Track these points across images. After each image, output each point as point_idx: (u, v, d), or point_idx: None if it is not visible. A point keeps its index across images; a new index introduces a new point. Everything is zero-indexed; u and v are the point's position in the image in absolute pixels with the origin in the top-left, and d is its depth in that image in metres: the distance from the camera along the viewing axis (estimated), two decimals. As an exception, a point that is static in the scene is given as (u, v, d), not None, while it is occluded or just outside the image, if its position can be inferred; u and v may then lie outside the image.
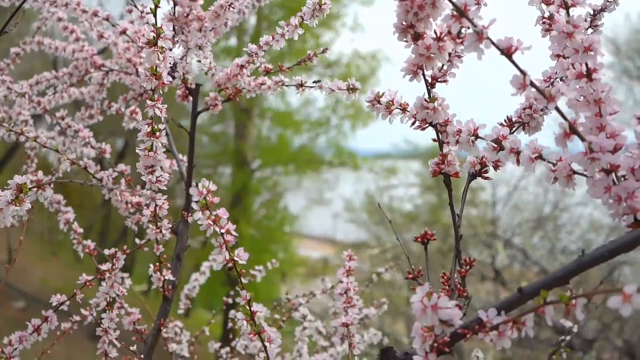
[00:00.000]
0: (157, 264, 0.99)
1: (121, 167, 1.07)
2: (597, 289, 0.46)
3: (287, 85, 1.00)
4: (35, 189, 0.70)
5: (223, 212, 0.64)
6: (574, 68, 0.57)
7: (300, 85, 0.98)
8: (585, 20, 0.73)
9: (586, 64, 0.55)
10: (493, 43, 0.52)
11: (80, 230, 1.13)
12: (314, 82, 0.94)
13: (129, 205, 1.03)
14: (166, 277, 0.99)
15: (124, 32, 1.06)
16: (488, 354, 6.48)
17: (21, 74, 1.55)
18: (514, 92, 0.53)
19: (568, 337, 1.09)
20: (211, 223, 0.63)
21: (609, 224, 7.45)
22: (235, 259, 0.64)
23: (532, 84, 0.52)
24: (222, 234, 0.64)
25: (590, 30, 0.73)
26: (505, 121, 0.70)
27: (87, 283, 0.95)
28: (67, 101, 1.38)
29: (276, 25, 0.96)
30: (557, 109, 0.52)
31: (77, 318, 1.16)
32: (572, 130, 0.53)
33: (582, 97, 0.56)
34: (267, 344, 0.66)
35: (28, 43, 1.33)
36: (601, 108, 0.54)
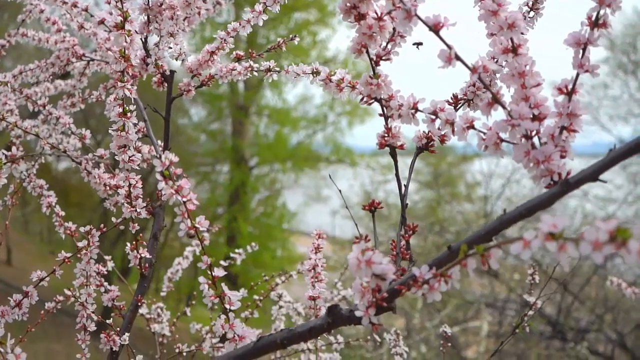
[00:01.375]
0: (134, 242, 1.04)
1: (100, 151, 1.12)
2: (496, 244, 0.50)
3: (256, 71, 1.04)
4: (9, 164, 0.74)
5: (185, 183, 0.69)
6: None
7: (269, 70, 1.02)
8: (527, 4, 0.78)
9: (511, 40, 0.59)
10: (421, 20, 0.56)
11: (62, 213, 1.17)
12: (276, 69, 0.99)
13: (107, 188, 1.08)
14: (143, 255, 1.04)
15: (102, 22, 1.10)
16: (481, 345, 6.54)
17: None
18: (442, 65, 0.57)
19: (531, 312, 1.14)
20: (174, 192, 0.68)
21: (602, 215, 7.50)
22: (197, 226, 0.69)
23: (457, 57, 0.56)
24: (184, 202, 0.68)
25: (532, 13, 0.78)
26: (451, 98, 0.75)
27: (66, 260, 1.00)
28: (54, 93, 1.42)
29: (272, 22, 1.01)
30: (480, 80, 0.57)
31: (61, 298, 1.20)
32: (495, 100, 0.58)
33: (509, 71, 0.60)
34: (227, 306, 0.71)
35: (13, 35, 1.38)
36: (525, 80, 0.59)
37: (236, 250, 1.47)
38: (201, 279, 0.72)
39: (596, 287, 6.58)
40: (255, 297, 1.38)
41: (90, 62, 1.27)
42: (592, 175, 0.53)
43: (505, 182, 7.32)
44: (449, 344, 1.21)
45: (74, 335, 1.06)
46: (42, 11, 1.27)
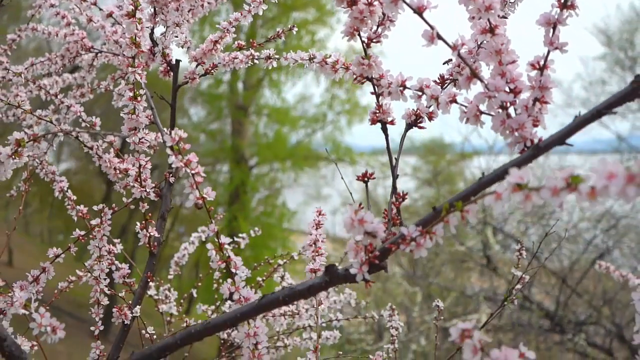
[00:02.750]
0: (144, 221, 1.10)
1: (110, 137, 1.18)
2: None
3: (257, 59, 1.11)
4: (31, 142, 0.81)
5: (193, 157, 0.75)
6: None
7: (269, 57, 1.09)
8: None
9: (488, 21, 0.66)
10: (406, 3, 0.63)
11: (74, 197, 1.24)
12: (276, 57, 1.05)
13: (117, 171, 1.14)
14: (152, 234, 1.10)
15: (110, 15, 1.16)
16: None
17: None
18: (425, 44, 0.64)
19: (519, 286, 1.20)
20: (183, 165, 0.74)
21: (598, 210, 7.56)
22: (205, 196, 0.75)
23: (439, 37, 0.63)
24: (193, 175, 0.75)
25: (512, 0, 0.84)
26: (438, 78, 0.81)
27: (80, 238, 1.06)
28: (62, 86, 1.49)
29: (271, 21, 1.08)
30: (460, 56, 0.63)
31: (73, 278, 1.27)
32: (473, 74, 0.64)
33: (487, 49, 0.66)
34: (233, 270, 0.77)
35: (23, 29, 1.44)
36: (502, 58, 0.65)
37: (239, 235, 1.53)
38: (209, 245, 0.78)
39: (594, 280, 6.65)
40: (259, 278, 1.44)
41: (98, 54, 1.33)
42: (560, 139, 0.59)
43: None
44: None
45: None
46: (52, 5, 1.33)
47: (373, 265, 0.67)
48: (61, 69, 1.34)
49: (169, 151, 0.74)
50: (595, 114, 0.58)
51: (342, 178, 1.18)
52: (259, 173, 12.32)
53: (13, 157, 0.80)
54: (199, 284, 1.65)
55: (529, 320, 6.45)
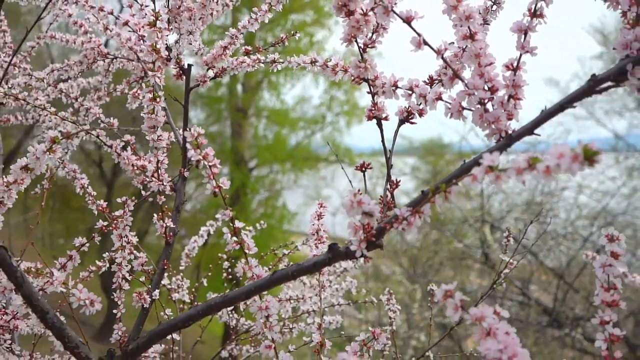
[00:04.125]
0: (160, 213, 1.20)
1: (127, 137, 1.28)
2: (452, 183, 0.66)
3: (263, 63, 1.20)
4: (65, 140, 0.90)
5: (210, 150, 0.85)
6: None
7: (274, 61, 1.18)
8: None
9: (469, 28, 0.75)
10: (396, 14, 0.73)
11: (94, 193, 1.33)
12: (280, 61, 1.15)
13: (135, 168, 1.24)
14: (168, 225, 1.20)
15: (126, 23, 1.26)
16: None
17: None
18: (413, 49, 0.73)
19: (507, 271, 1.29)
20: (201, 158, 0.84)
21: (595, 207, 7.66)
22: (220, 184, 0.85)
23: (425, 42, 0.72)
24: (210, 166, 0.84)
25: (494, 7, 0.94)
26: (427, 79, 0.91)
27: (103, 228, 1.16)
28: (76, 91, 1.58)
29: (269, 23, 1.19)
30: (443, 59, 0.73)
31: (93, 268, 1.36)
32: (455, 75, 0.74)
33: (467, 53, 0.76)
34: (246, 251, 0.87)
35: (42, 37, 1.54)
36: (480, 60, 0.75)
37: (246, 228, 1.62)
38: (225, 229, 0.88)
39: (591, 276, 6.75)
40: (265, 267, 1.53)
41: (114, 60, 1.43)
42: (529, 130, 0.69)
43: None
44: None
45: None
46: (70, 15, 1.43)
47: (370, 242, 0.76)
48: (78, 74, 1.44)
49: (189, 145, 0.84)
50: (559, 108, 0.68)
51: (346, 176, 1.27)
52: (259, 175, 12.41)
53: (48, 153, 0.90)
54: (209, 273, 1.75)
55: (527, 317, 6.55)
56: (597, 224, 7.24)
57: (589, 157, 0.49)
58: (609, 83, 0.67)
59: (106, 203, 1.29)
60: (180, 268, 1.64)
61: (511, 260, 1.29)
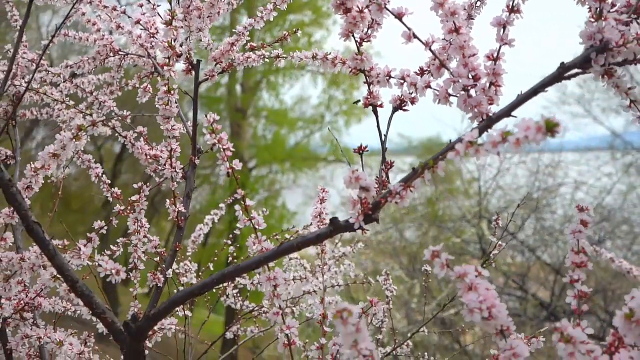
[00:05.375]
0: (172, 198, 1.29)
1: (139, 128, 1.37)
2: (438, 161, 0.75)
3: (267, 58, 1.30)
4: (91, 127, 0.99)
5: (224, 135, 0.94)
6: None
7: (277, 56, 1.28)
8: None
9: (454, 23, 0.84)
10: (389, 11, 0.82)
11: (109, 181, 1.42)
12: (284, 56, 1.25)
13: (148, 157, 1.33)
14: (179, 209, 1.29)
15: (138, 22, 1.35)
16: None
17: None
18: (404, 42, 0.82)
19: (496, 252, 1.38)
20: (216, 142, 0.93)
21: (591, 202, 7.76)
22: (233, 166, 0.94)
23: (415, 36, 0.82)
24: (224, 149, 0.93)
25: (478, 3, 1.03)
26: (418, 69, 1.00)
27: (120, 212, 1.25)
28: (92, 85, 1.67)
29: (268, 23, 1.28)
30: (431, 51, 0.82)
31: (109, 252, 1.45)
32: (442, 65, 0.83)
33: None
34: (256, 226, 0.96)
35: (57, 35, 1.62)
36: (464, 52, 0.84)
37: (238, 225, 1.71)
38: (236, 206, 0.96)
39: (586, 271, 6.84)
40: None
41: (126, 56, 1.52)
42: (507, 112, 0.78)
43: (496, 171, 7.58)
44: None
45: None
46: (83, 13, 1.52)
47: (367, 216, 0.85)
48: (92, 70, 1.53)
49: (205, 130, 0.93)
50: (532, 92, 0.77)
51: (351, 172, 1.35)
52: (258, 175, 12.50)
53: (74, 140, 0.99)
54: (215, 258, 1.84)
55: (525, 311, 6.64)
56: (594, 219, 7.34)
57: (550, 128, 0.58)
58: (576, 70, 0.76)
59: (141, 183, 1.35)
60: (187, 254, 1.73)
61: (500, 243, 1.38)
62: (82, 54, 1.59)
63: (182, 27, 1.26)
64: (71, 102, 1.29)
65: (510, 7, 0.83)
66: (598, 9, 0.74)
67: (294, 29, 1.32)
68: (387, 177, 0.93)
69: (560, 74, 0.76)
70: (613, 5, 0.75)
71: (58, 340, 1.04)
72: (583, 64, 0.75)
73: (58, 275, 1.01)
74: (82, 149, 1.48)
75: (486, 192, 7.45)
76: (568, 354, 0.63)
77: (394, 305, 7.31)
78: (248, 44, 1.31)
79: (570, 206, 8.03)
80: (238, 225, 0.97)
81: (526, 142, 0.61)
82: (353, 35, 0.92)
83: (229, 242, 1.67)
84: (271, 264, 0.94)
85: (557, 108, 9.26)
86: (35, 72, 1.25)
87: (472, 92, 0.84)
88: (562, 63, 0.76)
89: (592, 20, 0.75)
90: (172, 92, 1.08)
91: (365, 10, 0.88)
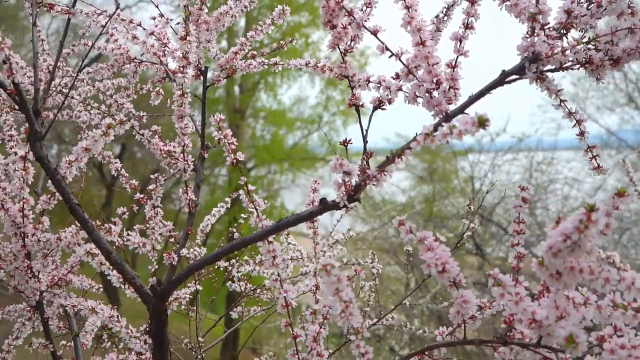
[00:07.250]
0: (185, 188, 1.47)
1: (154, 127, 1.55)
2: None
3: (267, 65, 1.48)
4: (118, 125, 1.17)
5: (229, 131, 1.12)
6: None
7: (276, 64, 1.46)
8: (442, 12, 1.22)
9: (419, 37, 1.03)
10: (366, 28, 1.00)
11: (127, 175, 1.61)
12: (281, 63, 1.44)
13: (162, 152, 1.51)
14: (191, 197, 1.48)
15: (152, 33, 1.54)
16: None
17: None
18: (378, 53, 1.01)
19: (469, 233, 1.56)
20: (222, 137, 1.12)
21: (585, 200, 7.94)
22: (237, 157, 1.13)
23: (387, 48, 1.00)
24: (229, 143, 1.12)
25: (445, 17, 1.21)
26: (394, 74, 1.18)
27: (140, 200, 1.43)
28: (111, 89, 1.86)
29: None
30: (400, 61, 1.01)
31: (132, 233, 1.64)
32: (409, 72, 1.02)
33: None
34: (257, 207, 1.15)
35: (77, 45, 1.81)
36: (428, 61, 1.03)
37: (242, 216, 1.90)
38: (240, 191, 1.15)
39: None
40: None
41: (140, 64, 1.70)
42: (460, 110, 0.97)
43: (490, 167, 7.78)
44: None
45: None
46: (103, 26, 1.71)
47: (350, 196, 1.04)
48: (111, 76, 1.72)
49: (212, 127, 1.11)
50: (479, 94, 0.95)
51: (335, 159, 1.54)
52: (257, 175, 12.67)
53: (104, 136, 1.17)
54: (222, 245, 2.02)
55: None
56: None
57: (482, 123, 0.77)
58: (515, 76, 0.95)
59: (156, 173, 1.54)
60: (197, 241, 1.92)
61: (472, 225, 1.56)
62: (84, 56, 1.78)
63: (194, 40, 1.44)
64: (95, 104, 1.48)
65: (465, 24, 1.02)
66: (530, 27, 0.93)
67: (290, 39, 1.51)
68: (368, 164, 1.12)
69: (502, 79, 0.94)
70: (544, 25, 0.94)
71: (90, 307, 1.22)
72: (519, 71, 0.94)
73: (90, 251, 1.20)
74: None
75: (479, 189, 7.64)
76: (499, 295, 0.81)
77: (391, 300, 7.50)
78: (249, 52, 1.50)
79: (566, 204, 8.23)
80: (243, 207, 1.16)
81: (466, 133, 0.79)
82: (339, 47, 1.11)
83: (234, 230, 1.85)
84: (270, 239, 1.12)
85: (553, 107, 9.44)
86: (62, 77, 1.44)
87: (435, 93, 1.03)
88: (504, 70, 0.95)
89: (527, 35, 0.94)
90: (185, 95, 1.27)
91: (349, 27, 1.07)
